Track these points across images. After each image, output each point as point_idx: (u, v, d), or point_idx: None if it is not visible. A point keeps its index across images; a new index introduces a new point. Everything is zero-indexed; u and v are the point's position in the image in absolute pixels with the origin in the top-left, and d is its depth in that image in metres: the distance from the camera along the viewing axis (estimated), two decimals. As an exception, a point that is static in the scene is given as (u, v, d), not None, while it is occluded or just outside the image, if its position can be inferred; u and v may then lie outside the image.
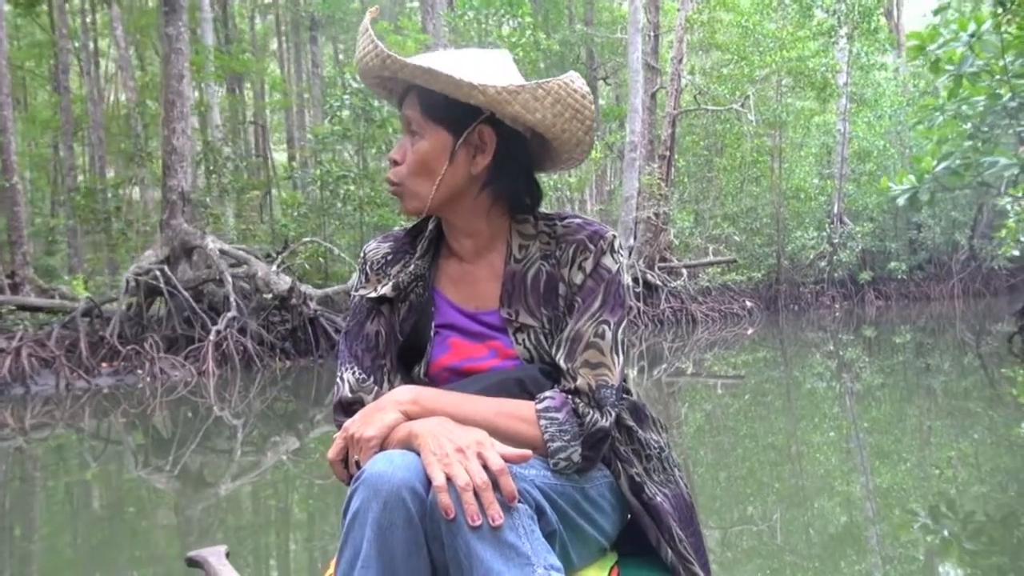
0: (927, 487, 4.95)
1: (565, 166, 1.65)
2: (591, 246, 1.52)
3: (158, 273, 11.74)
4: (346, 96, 13.42)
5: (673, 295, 19.85)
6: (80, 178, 20.96)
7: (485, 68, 1.49)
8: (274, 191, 18.32)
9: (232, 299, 11.59)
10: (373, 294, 1.61)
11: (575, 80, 1.53)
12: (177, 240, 12.36)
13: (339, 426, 1.44)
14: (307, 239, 13.17)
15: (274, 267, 12.16)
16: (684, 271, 20.61)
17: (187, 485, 5.79)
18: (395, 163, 1.55)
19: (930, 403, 8.02)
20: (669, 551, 1.54)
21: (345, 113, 14.02)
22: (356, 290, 1.66)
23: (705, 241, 22.55)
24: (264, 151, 17.66)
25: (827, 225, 25.45)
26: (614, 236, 1.55)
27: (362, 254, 1.69)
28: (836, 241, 25.10)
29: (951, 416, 7.26)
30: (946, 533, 4.05)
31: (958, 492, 4.77)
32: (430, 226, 1.65)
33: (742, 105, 21.85)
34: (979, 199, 27.68)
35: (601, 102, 28.53)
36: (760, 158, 24.33)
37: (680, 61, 21.59)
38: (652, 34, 21.94)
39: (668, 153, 21.63)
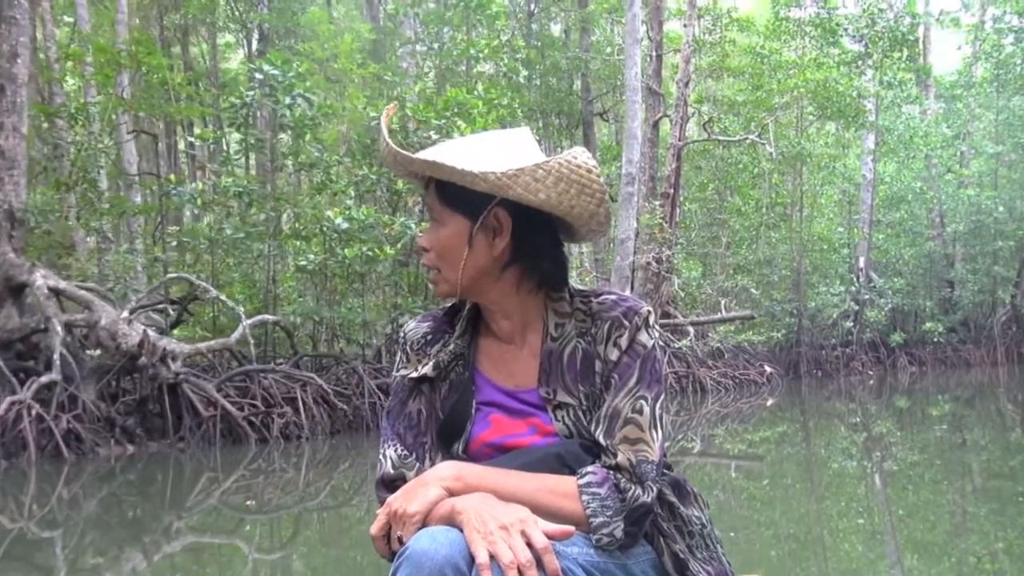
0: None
1: (588, 237, 1.67)
2: (626, 322, 1.56)
3: (-42, 320, 8.41)
4: (249, 93, 10.20)
5: (677, 358, 16.93)
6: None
7: (494, 151, 1.54)
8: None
9: (56, 357, 8.23)
10: (414, 374, 1.64)
11: (579, 155, 1.54)
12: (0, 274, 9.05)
13: (382, 502, 1.48)
14: (173, 275, 9.80)
15: (125, 313, 8.76)
16: (691, 329, 17.52)
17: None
18: (425, 250, 1.61)
19: (972, 485, 7.41)
20: None
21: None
22: (397, 370, 1.69)
23: (716, 294, 19.23)
24: (159, 168, 14.54)
25: (854, 280, 22.30)
26: (649, 312, 1.59)
27: (402, 334, 1.72)
28: (865, 298, 21.89)
29: (997, 500, 6.58)
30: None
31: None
32: (468, 305, 1.67)
33: (759, 135, 18.66)
34: (1023, 252, 24.78)
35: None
36: (779, 199, 21.17)
37: (686, 84, 18.49)
38: (654, 54, 18.82)
39: (672, 191, 18.41)
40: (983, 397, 16.42)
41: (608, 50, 23.72)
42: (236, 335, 9.29)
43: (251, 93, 10.34)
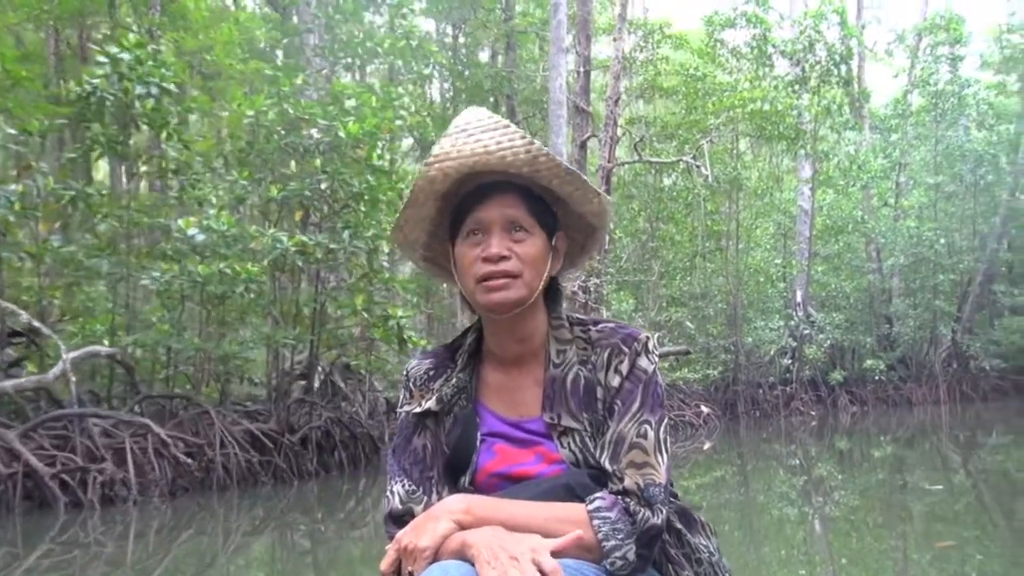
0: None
1: (575, 270, 1.81)
2: (625, 349, 1.57)
3: None
4: (92, 80, 8.45)
5: (606, 398, 15.13)
6: None
7: None
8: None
9: None
10: (418, 409, 1.63)
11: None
12: None
13: (391, 538, 1.47)
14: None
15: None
16: (622, 366, 15.85)
17: None
18: (504, 257, 1.55)
19: (914, 530, 7.17)
20: None
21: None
22: (401, 406, 1.68)
23: (649, 327, 17.81)
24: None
25: (792, 315, 21.08)
26: (647, 338, 1.60)
27: (405, 371, 1.71)
28: (805, 333, 20.66)
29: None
30: None
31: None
32: (468, 339, 1.67)
33: (694, 158, 17.38)
34: (964, 287, 23.94)
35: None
36: (714, 227, 19.94)
37: (616, 102, 17.11)
38: (581, 69, 17.46)
39: (601, 216, 16.99)
40: (925, 438, 15.95)
41: (533, 69, 22.48)
42: (55, 371, 7.44)
43: (95, 81, 8.59)
